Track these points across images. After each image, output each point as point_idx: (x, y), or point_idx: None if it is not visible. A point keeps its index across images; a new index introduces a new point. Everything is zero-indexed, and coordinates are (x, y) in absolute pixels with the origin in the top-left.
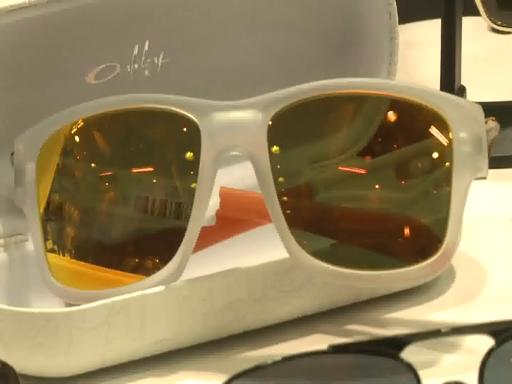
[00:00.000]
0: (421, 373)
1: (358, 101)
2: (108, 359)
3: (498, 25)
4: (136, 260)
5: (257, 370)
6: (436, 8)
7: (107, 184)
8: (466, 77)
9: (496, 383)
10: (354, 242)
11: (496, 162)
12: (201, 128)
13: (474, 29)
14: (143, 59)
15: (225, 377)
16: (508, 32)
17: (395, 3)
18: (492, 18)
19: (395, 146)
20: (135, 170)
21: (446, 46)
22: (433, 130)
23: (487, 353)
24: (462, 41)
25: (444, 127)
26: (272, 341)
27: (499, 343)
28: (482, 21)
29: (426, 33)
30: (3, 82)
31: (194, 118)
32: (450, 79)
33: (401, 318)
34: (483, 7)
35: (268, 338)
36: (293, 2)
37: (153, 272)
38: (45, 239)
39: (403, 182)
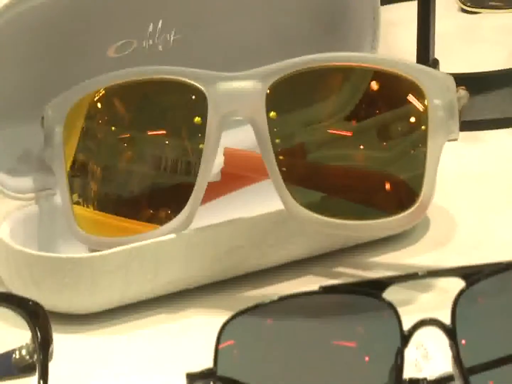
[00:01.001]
0: (400, 311)
1: (345, 72)
2: (126, 298)
3: (467, 6)
4: (151, 211)
5: (257, 308)
6: None
7: (125, 144)
8: (439, 51)
9: (466, 320)
10: (341, 195)
11: (466, 126)
12: (207, 96)
13: (446, 10)
14: (157, 35)
15: (229, 314)
16: (475, 12)
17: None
18: (462, 0)
19: (377, 111)
20: (150, 133)
21: (421, 24)
22: (411, 98)
23: (458, 293)
24: (436, 20)
25: (420, 95)
26: (270, 282)
27: (469, 284)
28: (453, 3)
29: (404, 14)
30: (36, 56)
31: (201, 87)
32: (425, 53)
33: (383, 262)
34: None
35: (266, 279)
36: None
37: (166, 222)
38: (71, 193)
39: (384, 143)
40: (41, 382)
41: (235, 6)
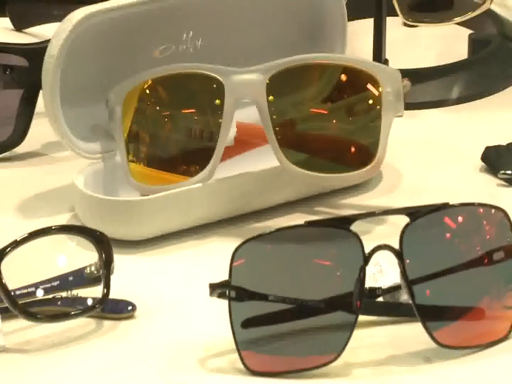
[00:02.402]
0: (363, 238)
1: (323, 67)
2: (165, 229)
3: (408, 21)
4: (184, 167)
5: (260, 236)
6: (371, 10)
7: (166, 119)
8: (389, 53)
9: (410, 245)
10: (320, 156)
11: (408, 106)
12: (224, 84)
13: (393, 24)
14: (189, 42)
15: (240, 241)
16: (414, 26)
17: (345, 10)
18: (405, 17)
19: (345, 95)
20: (183, 111)
21: (376, 34)
22: (369, 86)
23: (404, 226)
24: (386, 31)
25: (376, 84)
26: (269, 218)
27: (412, 220)
28: (398, 19)
29: (364, 27)
30: (104, 55)
31: (220, 79)
32: (379, 54)
33: (350, 204)
34: (400, 10)
35: (266, 216)
36: (282, 5)
37: (194, 175)
38: (128, 154)
39: (350, 118)
40: (105, 290)
41: (244, 22)
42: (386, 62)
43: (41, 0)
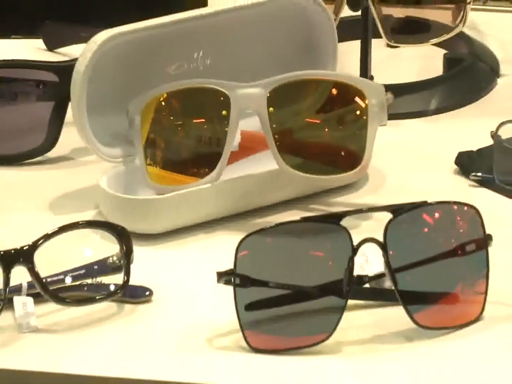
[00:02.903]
0: (351, 232)
1: (317, 82)
2: (178, 224)
3: (391, 42)
4: (194, 169)
5: (262, 230)
6: (358, 33)
7: (179, 128)
8: (374, 70)
9: (393, 239)
10: (314, 159)
11: (391, 117)
12: (230, 97)
13: (378, 45)
14: (199, 60)
15: (243, 235)
16: (396, 47)
17: (336, 33)
18: (388, 39)
19: (336, 107)
20: (194, 120)
21: (362, 54)
22: (357, 99)
23: (387, 222)
24: (372, 51)
25: (363, 97)
26: (269, 215)
27: (394, 216)
28: (382, 41)
29: (353, 47)
30: (125, 71)
31: (226, 92)
32: (365, 71)
33: (340, 202)
34: (383, 33)
35: (267, 213)
36: (280, 28)
37: (204, 176)
38: (145, 158)
39: (340, 127)
40: (125, 277)
41: (247, 43)
42: (371, 78)
43: (70, 23)
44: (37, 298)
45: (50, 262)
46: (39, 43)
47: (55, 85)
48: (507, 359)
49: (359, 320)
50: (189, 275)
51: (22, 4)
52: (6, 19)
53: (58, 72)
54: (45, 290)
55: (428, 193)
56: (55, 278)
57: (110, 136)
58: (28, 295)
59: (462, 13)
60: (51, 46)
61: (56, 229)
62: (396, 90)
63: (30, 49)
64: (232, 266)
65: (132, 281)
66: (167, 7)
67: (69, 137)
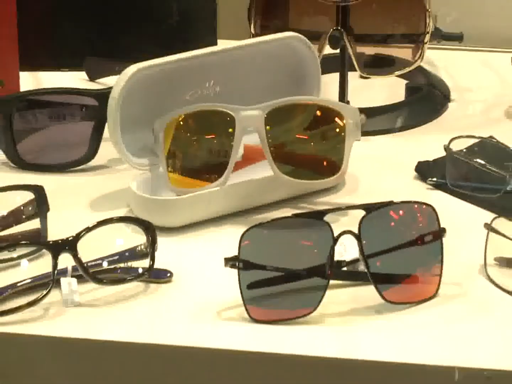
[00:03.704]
0: (332, 226)
1: (305, 106)
2: (193, 219)
3: (364, 74)
4: (206, 175)
5: (260, 224)
6: (337, 67)
7: (194, 142)
8: (350, 96)
9: (366, 231)
10: (302, 167)
11: (364, 133)
12: (235, 118)
13: (353, 76)
14: (210, 88)
15: (246, 228)
16: (368, 77)
17: (320, 67)
18: (361, 71)
19: (320, 125)
20: (206, 136)
21: (341, 83)
22: (337, 119)
23: (361, 217)
24: (348, 81)
25: (342, 118)
26: (266, 212)
27: (367, 213)
28: (357, 73)
29: (333, 78)
30: (149, 97)
31: (232, 113)
32: (343, 97)
33: (323, 201)
34: (357, 66)
35: (265, 210)
36: (276, 63)
37: (214, 181)
38: (167, 166)
39: (323, 141)
40: (151, 262)
41: (249, 75)
42: (348, 102)
43: (107, 58)
44: (80, 279)
45: (90, 250)
46: (82, 74)
47: (95, 108)
48: (457, 328)
49: (338, 297)
50: (202, 261)
51: (69, 42)
52: (55, 54)
53: (97, 98)
54: (86, 273)
55: (394, 195)
56: (94, 263)
57: (139, 149)
58: (72, 276)
59: (420, 51)
60: (92, 77)
61: (95, 223)
62: (368, 112)
63: (75, 79)
64: (236, 253)
65: (156, 265)
66: (185, 45)
67: (106, 150)
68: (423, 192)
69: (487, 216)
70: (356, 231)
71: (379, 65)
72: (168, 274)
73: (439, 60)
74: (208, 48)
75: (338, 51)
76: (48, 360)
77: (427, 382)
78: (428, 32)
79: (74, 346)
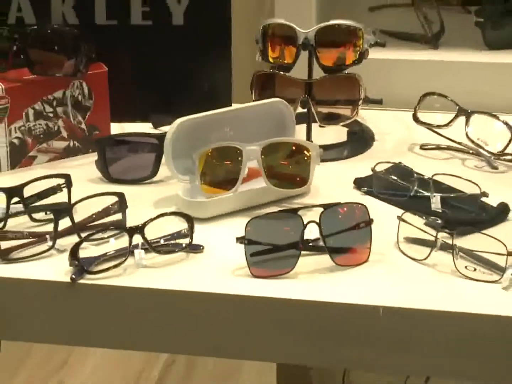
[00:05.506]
0: (303, 217)
1: (286, 143)
2: (216, 213)
3: (322, 124)
4: (225, 186)
5: (258, 217)
6: (305, 120)
7: (217, 165)
8: (313, 137)
9: (324, 221)
10: (284, 181)
11: (322, 161)
12: (242, 151)
13: (315, 126)
14: (227, 133)
15: (249, 218)
16: (324, 126)
17: (294, 120)
18: (320, 122)
19: (295, 155)
20: (224, 162)
21: (308, 130)
22: (305, 151)
23: (321, 212)
24: (312, 129)
25: (308, 150)
26: (262, 209)
27: (324, 210)
28: (317, 124)
29: (302, 127)
30: (190, 138)
31: (241, 148)
32: (309, 138)
33: (297, 202)
34: (318, 119)
35: (261, 208)
36: (267, 118)
37: (230, 189)
38: (201, 179)
39: (297, 165)
40: (190, 240)
41: (250, 124)
42: (312, 141)
43: (165, 114)
44: (146, 251)
45: (153, 232)
46: (149, 125)
47: (156, 145)
48: (380, 281)
49: (307, 262)
50: (222, 239)
51: (140, 104)
52: (132, 112)
53: (158, 139)
54: (150, 247)
55: (340, 198)
56: (155, 240)
57: (183, 170)
58: (141, 249)
59: (356, 110)
60: (155, 126)
61: (156, 215)
62: (324, 147)
63: (145, 127)
64: (243, 234)
65: (194, 242)
66: (212, 105)
67: (163, 171)
68: (358, 197)
69: (399, 211)
70: (317, 221)
71: (331, 119)
72: (201, 247)
73: (367, 116)
74: (226, 108)
75: (306, 110)
76: (122, 305)
77: (359, 316)
78: (361, 98)
79: (143, 293)
